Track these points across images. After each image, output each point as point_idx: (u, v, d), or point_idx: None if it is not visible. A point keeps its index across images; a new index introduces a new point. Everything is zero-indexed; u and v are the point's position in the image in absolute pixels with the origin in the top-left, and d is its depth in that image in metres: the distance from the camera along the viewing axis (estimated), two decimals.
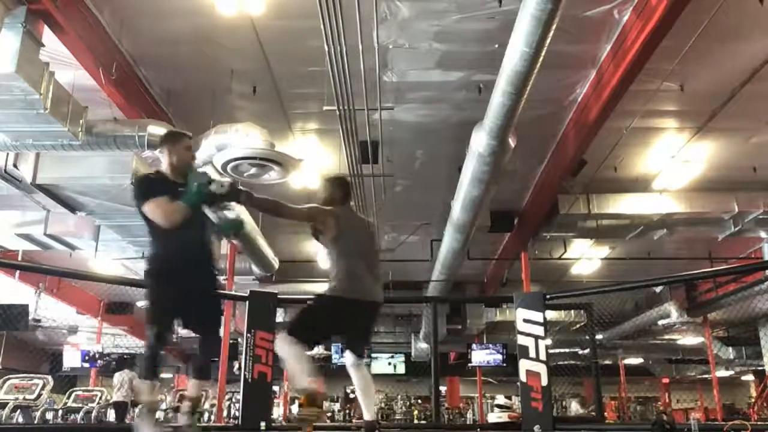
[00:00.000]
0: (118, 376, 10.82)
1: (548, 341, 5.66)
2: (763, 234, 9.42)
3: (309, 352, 3.47)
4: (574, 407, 15.77)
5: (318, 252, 10.96)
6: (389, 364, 19.19)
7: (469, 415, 16.98)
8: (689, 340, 16.17)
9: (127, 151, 6.29)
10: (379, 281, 3.66)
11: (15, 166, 6.76)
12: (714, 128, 7.35)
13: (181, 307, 3.16)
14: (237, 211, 3.52)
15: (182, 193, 3.08)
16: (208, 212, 3.25)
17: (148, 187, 3.21)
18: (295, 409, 14.89)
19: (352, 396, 19.82)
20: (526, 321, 5.62)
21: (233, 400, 12.88)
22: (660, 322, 13.91)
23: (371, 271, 3.58)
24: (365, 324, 3.68)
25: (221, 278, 3.44)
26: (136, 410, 10.64)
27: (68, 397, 10.75)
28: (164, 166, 3.33)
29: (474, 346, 15.47)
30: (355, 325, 3.54)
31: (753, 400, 17.93)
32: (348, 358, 3.60)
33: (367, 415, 3.67)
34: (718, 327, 15.93)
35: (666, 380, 21.18)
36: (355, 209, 3.90)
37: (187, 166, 3.32)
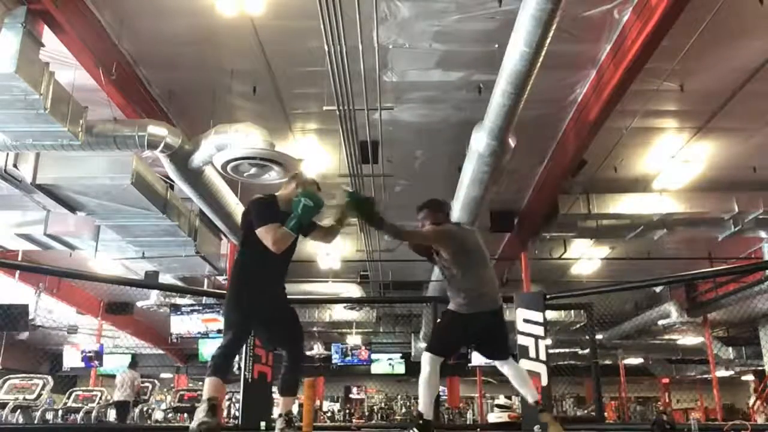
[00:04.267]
0: (120, 376, 10.83)
1: (548, 341, 5.67)
2: (763, 234, 9.41)
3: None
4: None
5: (318, 253, 10.96)
6: (389, 364, 19.18)
7: (469, 415, 16.95)
8: (689, 340, 16.17)
9: (127, 151, 6.30)
10: (496, 284, 3.81)
11: (15, 166, 6.76)
12: (714, 128, 7.36)
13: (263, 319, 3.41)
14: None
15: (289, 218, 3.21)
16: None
17: (268, 210, 3.31)
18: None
19: (351, 396, 19.84)
20: (526, 321, 5.64)
21: (233, 400, 12.86)
22: (660, 322, 13.91)
23: (491, 278, 3.77)
24: (498, 328, 3.77)
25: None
26: (136, 410, 10.65)
27: (68, 397, 10.75)
28: (281, 194, 3.49)
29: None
30: (490, 334, 3.74)
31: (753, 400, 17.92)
32: (497, 363, 3.85)
33: (530, 399, 3.85)
34: (718, 327, 15.93)
35: (666, 380, 21.17)
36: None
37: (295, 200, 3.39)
